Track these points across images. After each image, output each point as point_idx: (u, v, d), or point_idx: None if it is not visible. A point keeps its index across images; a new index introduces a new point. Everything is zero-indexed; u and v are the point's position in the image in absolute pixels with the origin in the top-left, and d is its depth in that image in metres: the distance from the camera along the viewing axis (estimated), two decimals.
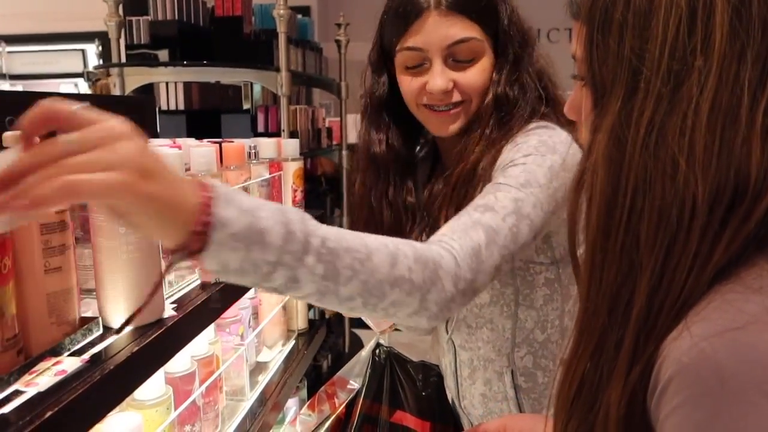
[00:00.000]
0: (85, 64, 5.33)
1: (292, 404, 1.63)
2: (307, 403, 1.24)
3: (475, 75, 0.92)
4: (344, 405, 1.17)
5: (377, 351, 1.18)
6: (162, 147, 1.03)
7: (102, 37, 4.97)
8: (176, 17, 2.18)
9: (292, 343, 1.59)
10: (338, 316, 3.22)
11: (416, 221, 1.03)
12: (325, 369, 2.76)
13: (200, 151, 1.07)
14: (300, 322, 1.64)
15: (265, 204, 0.59)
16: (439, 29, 0.88)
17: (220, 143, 1.21)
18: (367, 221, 1.05)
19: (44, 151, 0.46)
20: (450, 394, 1.14)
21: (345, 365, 1.23)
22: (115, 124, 0.51)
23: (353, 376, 1.18)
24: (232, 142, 1.29)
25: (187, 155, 1.06)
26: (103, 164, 0.47)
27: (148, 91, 2.38)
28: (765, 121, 0.42)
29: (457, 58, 0.90)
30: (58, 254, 0.66)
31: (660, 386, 0.43)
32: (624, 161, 0.45)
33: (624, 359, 0.46)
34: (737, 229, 0.43)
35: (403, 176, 1.02)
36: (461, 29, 0.89)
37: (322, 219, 1.67)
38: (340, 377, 1.20)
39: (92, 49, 5.18)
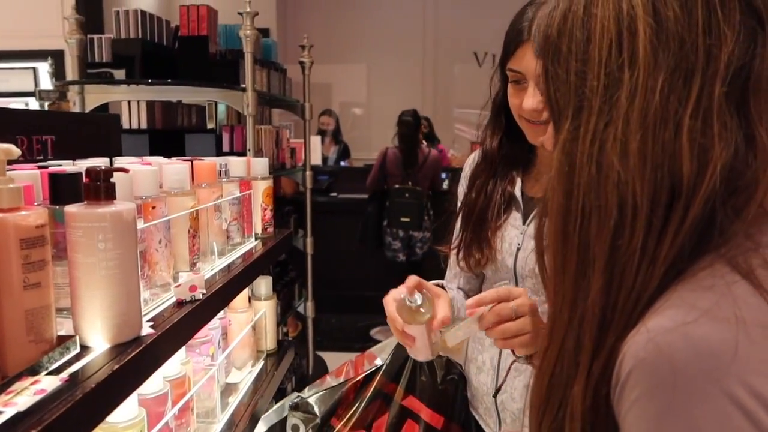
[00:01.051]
0: (36, 83, 5.19)
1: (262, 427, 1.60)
2: (335, 369, 1.30)
3: None
4: (364, 374, 1.21)
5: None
6: (133, 164, 1.02)
7: (55, 56, 4.88)
8: (139, 36, 2.16)
9: (261, 364, 1.57)
10: (302, 338, 3.18)
11: (504, 212, 1.13)
12: (289, 391, 2.72)
13: (174, 169, 1.06)
14: (269, 343, 1.63)
15: None
16: (535, 58, 0.99)
17: (191, 161, 1.21)
18: (460, 208, 1.18)
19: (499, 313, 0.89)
20: (479, 392, 1.17)
21: (377, 345, 1.29)
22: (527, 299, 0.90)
23: (382, 354, 1.24)
24: (202, 160, 1.28)
25: (160, 173, 1.05)
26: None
27: (105, 110, 2.34)
28: (691, 123, 0.46)
29: None
30: (37, 269, 0.64)
31: (620, 381, 0.45)
32: (574, 172, 0.50)
33: (585, 356, 0.48)
34: (679, 224, 0.46)
35: (507, 169, 1.14)
36: None
37: (288, 239, 1.67)
38: (370, 353, 1.27)
39: (44, 68, 5.05)
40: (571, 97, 0.52)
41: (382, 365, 1.21)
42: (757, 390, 0.40)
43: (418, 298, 0.97)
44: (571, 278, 0.50)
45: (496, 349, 1.12)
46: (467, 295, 1.19)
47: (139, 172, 0.95)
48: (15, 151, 0.63)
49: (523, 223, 1.11)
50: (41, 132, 1.36)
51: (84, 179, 0.73)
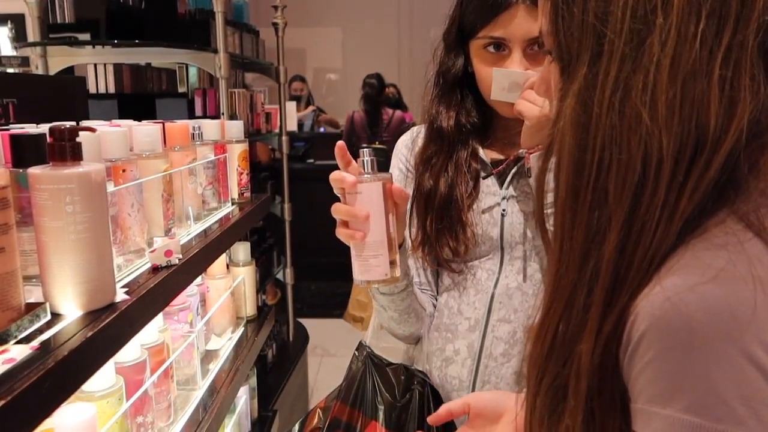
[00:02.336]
0: None
1: (243, 393, 1.59)
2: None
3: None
4: (320, 408, 1.10)
5: (357, 352, 1.11)
6: (101, 126, 0.98)
7: (15, 20, 4.67)
8: None
9: (241, 330, 1.55)
10: (282, 305, 3.17)
11: (471, 193, 1.03)
12: (270, 358, 2.71)
13: (145, 130, 1.02)
14: (249, 309, 1.61)
15: None
16: (524, 23, 0.92)
17: (162, 123, 1.16)
18: (418, 196, 1.05)
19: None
20: (449, 388, 1.05)
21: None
22: None
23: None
24: (174, 122, 1.23)
25: (130, 135, 1.00)
26: None
27: (70, 74, 2.24)
28: (722, 73, 0.44)
29: (534, 46, 0.94)
30: (1, 234, 0.61)
31: (633, 342, 0.44)
32: (591, 122, 0.47)
33: (595, 313, 0.47)
34: (699, 178, 0.44)
35: (465, 144, 1.04)
36: None
37: (265, 204, 1.64)
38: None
39: (4, 32, 4.85)
40: (589, 41, 0.48)
41: (337, 390, 1.09)
42: None
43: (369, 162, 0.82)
44: (582, 235, 0.48)
45: (474, 334, 1.02)
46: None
47: (107, 134, 0.90)
48: None
49: (501, 187, 1.03)
50: (2, 95, 1.29)
51: (48, 139, 0.69)
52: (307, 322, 3.38)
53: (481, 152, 1.05)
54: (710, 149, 0.44)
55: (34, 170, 0.69)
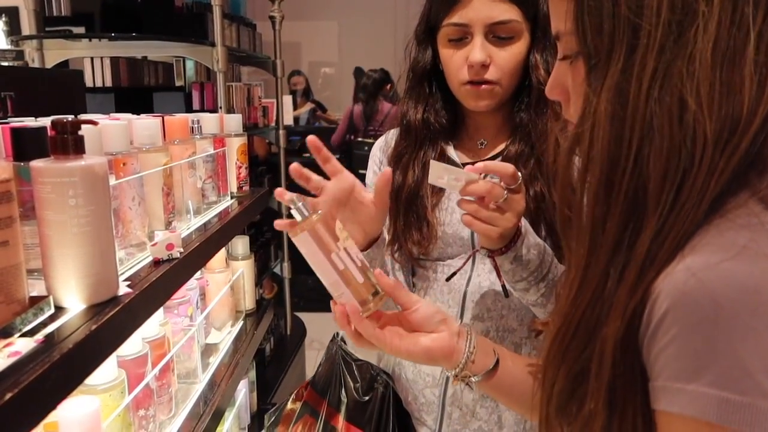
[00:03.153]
0: None
1: (242, 386, 1.60)
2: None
3: (511, 56, 0.97)
4: (294, 394, 1.10)
5: (330, 344, 1.11)
6: (101, 120, 0.97)
7: (10, 13, 4.64)
8: None
9: (240, 324, 1.55)
10: (279, 299, 3.18)
11: (437, 191, 1.04)
12: (268, 352, 2.72)
13: (144, 123, 1.02)
14: (248, 303, 1.61)
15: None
16: (484, 8, 0.94)
17: (162, 117, 1.16)
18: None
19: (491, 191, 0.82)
20: (417, 385, 1.05)
21: None
22: (522, 199, 0.87)
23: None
24: (173, 116, 1.23)
25: (130, 129, 1.00)
26: None
27: (66, 67, 2.23)
28: (756, 57, 0.45)
29: (497, 35, 0.96)
30: (4, 227, 0.60)
31: (655, 320, 0.45)
32: (627, 114, 0.47)
33: (624, 295, 0.47)
34: (729, 158, 0.45)
35: (436, 139, 1.05)
36: (503, 11, 0.95)
37: (264, 198, 1.64)
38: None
39: None
40: (623, 34, 0.48)
41: (311, 378, 1.09)
42: None
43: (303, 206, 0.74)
44: (616, 225, 0.48)
45: None
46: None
47: (108, 127, 0.90)
48: None
49: None
50: (0, 88, 1.29)
51: (50, 132, 0.69)
52: (304, 316, 3.39)
53: (451, 151, 1.05)
54: (741, 132, 0.45)
55: (36, 163, 0.68)
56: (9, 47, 4.23)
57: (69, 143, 0.69)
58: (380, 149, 1.13)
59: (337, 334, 1.11)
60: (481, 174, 0.82)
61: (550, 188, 0.97)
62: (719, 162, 0.45)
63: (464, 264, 0.99)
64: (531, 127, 1.00)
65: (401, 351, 0.75)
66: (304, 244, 0.74)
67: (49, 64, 2.09)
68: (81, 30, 2.12)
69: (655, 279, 0.45)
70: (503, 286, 0.95)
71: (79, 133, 0.70)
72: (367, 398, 1.03)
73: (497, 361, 0.77)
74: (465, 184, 0.82)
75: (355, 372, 1.05)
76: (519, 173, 0.83)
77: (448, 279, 1.00)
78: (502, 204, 0.82)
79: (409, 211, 1.03)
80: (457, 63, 0.98)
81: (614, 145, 0.48)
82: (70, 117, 0.71)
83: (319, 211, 0.74)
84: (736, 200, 0.45)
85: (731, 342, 0.41)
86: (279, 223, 0.83)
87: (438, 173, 0.83)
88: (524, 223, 0.88)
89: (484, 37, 0.95)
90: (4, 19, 4.70)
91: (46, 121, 1.01)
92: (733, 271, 0.41)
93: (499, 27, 0.95)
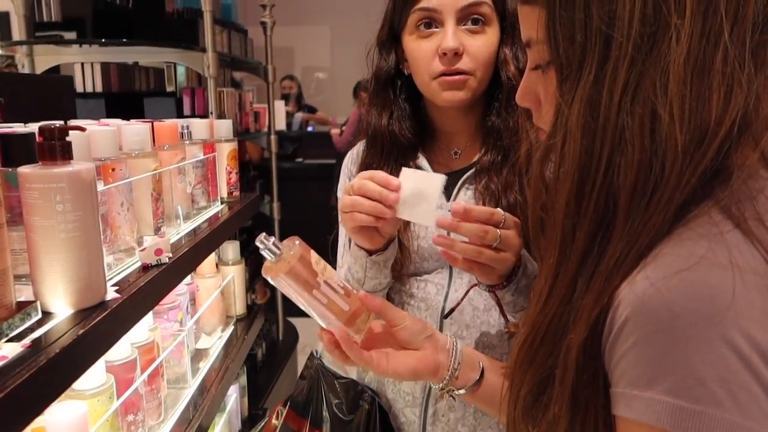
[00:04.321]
0: None
1: (233, 391, 1.60)
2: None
3: (484, 45, 0.93)
4: (274, 414, 1.06)
5: (308, 362, 1.08)
6: (90, 125, 0.98)
7: (0, 18, 4.63)
8: None
9: (231, 329, 1.55)
10: (272, 304, 3.17)
11: None
12: (260, 357, 2.72)
13: (134, 129, 1.02)
14: (238, 308, 1.61)
15: None
16: None
17: (151, 122, 1.16)
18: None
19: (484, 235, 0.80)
20: (407, 407, 1.02)
21: None
22: (516, 236, 0.84)
23: None
24: (163, 121, 1.24)
25: (119, 134, 1.00)
26: None
27: (56, 74, 2.23)
28: (722, 68, 0.45)
29: (468, 20, 0.92)
30: None
31: (616, 327, 0.45)
32: (599, 125, 0.47)
33: (589, 303, 0.48)
34: (695, 168, 0.45)
35: (404, 151, 1.01)
36: None
37: (255, 203, 1.64)
38: None
39: None
40: (595, 45, 0.48)
41: (288, 397, 1.05)
42: (752, 336, 0.40)
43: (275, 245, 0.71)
44: (585, 234, 0.49)
45: None
46: None
47: (96, 133, 0.91)
48: None
49: (448, 200, 0.99)
50: None
51: (38, 138, 0.70)
52: (297, 321, 3.38)
53: (423, 160, 1.01)
54: (708, 141, 0.45)
55: (24, 169, 0.69)
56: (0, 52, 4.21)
57: (56, 149, 0.70)
58: (352, 161, 1.09)
59: (316, 351, 1.09)
60: (473, 216, 0.78)
61: (525, 195, 0.93)
62: (686, 173, 0.45)
63: (447, 286, 0.98)
64: (503, 129, 0.97)
65: (388, 372, 0.75)
66: (284, 286, 0.72)
67: (39, 70, 2.09)
68: (72, 35, 2.12)
69: (619, 286, 0.46)
70: (504, 316, 0.92)
71: (67, 139, 0.71)
72: (351, 416, 1.00)
73: (482, 374, 0.78)
74: (437, 219, 0.78)
75: (338, 389, 1.02)
76: (500, 210, 0.81)
77: (445, 316, 0.97)
78: (498, 245, 0.79)
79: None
80: (427, 54, 0.94)
81: (585, 156, 0.48)
82: (58, 123, 0.72)
83: (295, 245, 0.71)
84: (698, 209, 0.46)
85: (686, 351, 0.41)
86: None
87: (406, 191, 0.79)
88: (522, 252, 0.85)
89: (455, 24, 0.92)
90: None
91: (34, 127, 1.01)
92: (690, 281, 0.42)
93: (470, 10, 0.92)
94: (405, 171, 0.83)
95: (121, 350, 0.96)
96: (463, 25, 0.93)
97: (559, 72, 0.51)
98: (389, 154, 1.01)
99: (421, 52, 0.94)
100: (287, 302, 3.33)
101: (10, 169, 0.72)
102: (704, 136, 0.45)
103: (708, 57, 0.45)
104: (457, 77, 0.93)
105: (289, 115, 5.60)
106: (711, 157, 0.45)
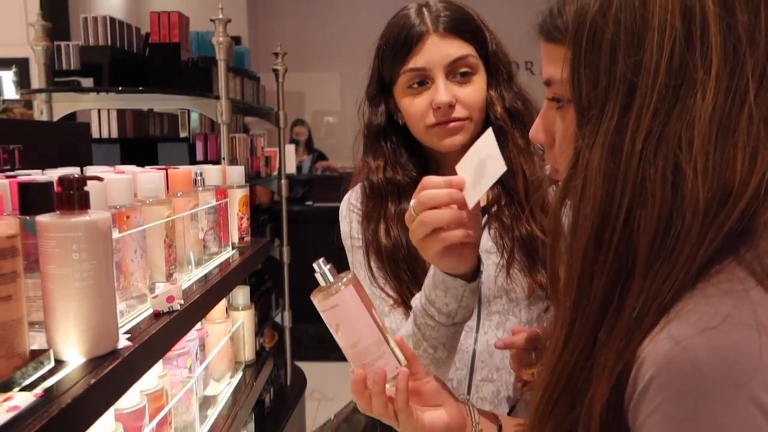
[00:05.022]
0: (0, 92, 5.07)
1: None
2: None
3: (474, 91, 0.98)
4: None
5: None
6: (105, 173, 1.00)
7: (20, 64, 4.76)
8: (108, 43, 2.11)
9: (239, 375, 1.54)
10: (278, 348, 3.15)
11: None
12: (267, 403, 2.68)
13: (149, 177, 1.04)
14: (247, 354, 1.60)
15: None
16: (440, 49, 0.95)
17: (165, 170, 1.18)
18: (367, 248, 1.03)
19: None
20: None
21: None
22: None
23: None
24: (177, 168, 1.26)
25: (134, 182, 1.02)
26: None
27: (73, 120, 2.28)
28: (747, 128, 0.45)
29: (457, 73, 0.96)
30: (9, 282, 0.62)
31: (640, 388, 0.45)
32: (619, 173, 0.47)
33: (611, 357, 0.47)
34: (720, 227, 0.45)
35: (407, 189, 1.01)
36: (459, 48, 0.96)
37: (265, 248, 1.65)
38: None
39: (8, 76, 4.93)
40: (617, 91, 0.47)
41: None
42: None
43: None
44: (604, 283, 0.48)
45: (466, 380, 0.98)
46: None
47: (112, 181, 0.92)
48: None
49: None
50: (8, 141, 1.32)
51: (57, 188, 0.71)
52: (304, 366, 3.35)
53: None
54: (733, 201, 0.45)
55: (42, 218, 0.70)
56: (17, 97, 4.32)
57: (74, 199, 0.71)
58: (348, 209, 1.10)
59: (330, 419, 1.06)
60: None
61: (533, 221, 0.95)
62: (709, 231, 0.45)
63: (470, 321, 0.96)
64: None
65: (425, 425, 0.72)
66: (349, 299, 0.71)
67: (57, 116, 2.14)
68: (90, 82, 2.18)
69: (641, 343, 0.45)
70: None
71: (85, 189, 0.72)
72: None
73: (500, 428, 0.77)
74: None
75: None
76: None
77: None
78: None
79: (401, 271, 0.99)
80: (420, 108, 0.97)
81: (605, 202, 0.48)
82: (77, 173, 0.73)
83: (348, 273, 0.72)
84: (721, 265, 0.45)
85: (715, 412, 0.41)
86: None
87: (466, 167, 0.75)
88: None
89: (445, 78, 0.95)
90: (14, 69, 4.83)
91: (52, 174, 1.03)
92: (716, 341, 0.42)
93: (457, 64, 0.95)
94: (460, 165, 0.78)
95: (131, 398, 0.96)
96: (453, 78, 0.97)
97: (579, 113, 0.51)
98: (391, 197, 1.03)
99: (415, 107, 0.98)
100: (295, 346, 3.30)
101: (28, 217, 0.73)
102: (728, 196, 0.45)
103: (734, 116, 0.45)
104: (453, 124, 0.97)
105: (300, 159, 5.68)
106: (737, 219, 0.45)
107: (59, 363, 0.70)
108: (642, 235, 0.46)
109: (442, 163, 1.05)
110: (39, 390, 0.63)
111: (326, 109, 7.08)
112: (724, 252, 0.46)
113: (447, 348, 0.89)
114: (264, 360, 1.66)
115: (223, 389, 1.43)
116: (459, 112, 0.97)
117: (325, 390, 3.67)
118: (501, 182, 0.98)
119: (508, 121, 0.98)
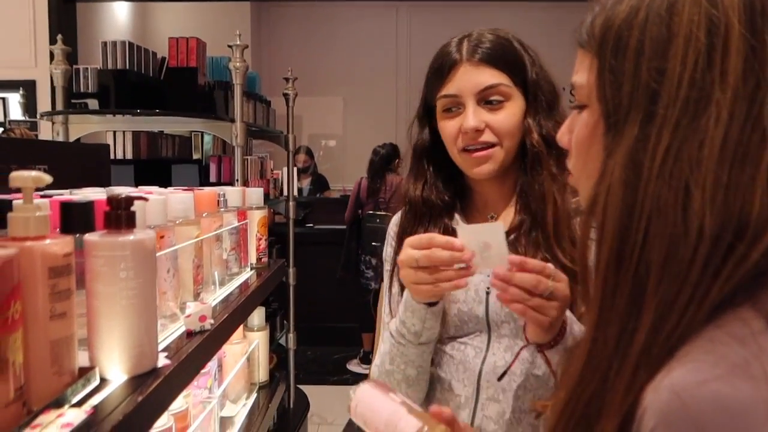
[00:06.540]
0: (6, 113, 5.09)
1: None
2: None
3: (506, 117, 1.00)
4: None
5: None
6: (132, 194, 1.01)
7: (26, 86, 4.80)
8: (126, 66, 2.15)
9: (254, 396, 1.54)
10: (281, 371, 3.13)
11: None
12: (271, 427, 2.65)
13: (180, 198, 1.06)
14: (261, 375, 1.60)
15: None
16: (471, 77, 0.99)
17: (191, 190, 1.20)
18: (392, 269, 1.06)
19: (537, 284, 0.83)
20: None
21: None
22: (566, 287, 0.86)
23: None
24: (202, 189, 1.28)
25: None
26: None
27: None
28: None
29: (488, 100, 1.00)
30: (63, 299, 0.63)
31: None
32: (640, 186, 0.45)
33: (620, 391, 0.45)
34: (735, 266, 0.43)
35: (440, 212, 1.07)
36: (490, 77, 0.99)
37: (282, 269, 1.66)
38: None
39: (15, 98, 4.96)
40: (640, 99, 0.46)
41: None
42: None
43: None
44: (624, 303, 0.46)
45: (465, 412, 1.00)
46: None
47: (150, 201, 0.94)
48: (46, 178, 0.63)
49: None
50: (34, 161, 1.34)
51: (106, 207, 0.73)
52: (308, 389, 3.32)
53: (458, 221, 1.06)
54: (750, 239, 0.42)
55: (91, 237, 0.72)
56: (23, 118, 4.33)
57: (122, 218, 0.73)
58: (395, 224, 1.15)
59: None
60: (529, 268, 0.82)
61: (554, 254, 0.97)
62: (723, 268, 0.43)
63: (487, 348, 0.99)
64: (530, 193, 1.02)
65: None
66: (362, 394, 0.81)
67: (72, 137, 2.16)
68: (104, 104, 2.20)
69: (647, 384, 0.43)
70: (554, 376, 0.92)
71: (132, 208, 0.74)
72: None
73: None
74: (504, 265, 0.82)
75: None
76: (550, 265, 0.84)
77: (500, 378, 0.98)
78: (549, 296, 0.82)
79: None
80: (452, 132, 1.01)
81: (626, 215, 0.46)
82: (125, 193, 0.75)
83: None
84: (733, 310, 0.43)
85: None
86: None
87: (471, 246, 0.84)
88: (568, 314, 0.88)
89: (476, 104, 0.99)
90: (21, 92, 4.86)
91: (79, 194, 1.05)
92: (719, 394, 0.39)
93: (488, 92, 0.99)
94: (461, 228, 0.88)
95: (160, 418, 0.96)
96: (484, 104, 1.00)
97: (605, 119, 0.50)
98: (423, 217, 1.08)
99: (448, 130, 1.03)
100: (299, 368, 3.28)
101: (77, 235, 0.75)
102: (743, 231, 0.43)
103: (753, 146, 0.43)
104: (482, 152, 1.00)
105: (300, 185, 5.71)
106: (756, 259, 0.43)
107: (102, 381, 0.70)
108: (655, 257, 0.44)
109: (475, 189, 1.09)
110: (87, 407, 0.64)
111: (329, 132, 7.14)
112: (740, 295, 0.43)
113: (416, 366, 1.00)
114: (278, 382, 1.66)
115: (239, 410, 1.43)
116: (487, 136, 1.00)
117: (325, 414, 3.64)
118: (530, 208, 1.01)
119: (544, 148, 1.00)
